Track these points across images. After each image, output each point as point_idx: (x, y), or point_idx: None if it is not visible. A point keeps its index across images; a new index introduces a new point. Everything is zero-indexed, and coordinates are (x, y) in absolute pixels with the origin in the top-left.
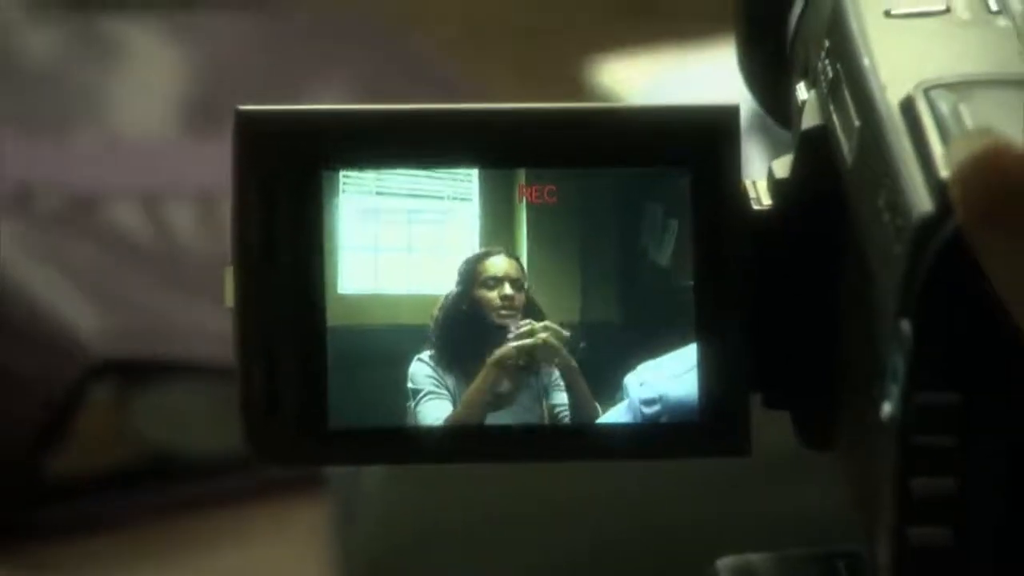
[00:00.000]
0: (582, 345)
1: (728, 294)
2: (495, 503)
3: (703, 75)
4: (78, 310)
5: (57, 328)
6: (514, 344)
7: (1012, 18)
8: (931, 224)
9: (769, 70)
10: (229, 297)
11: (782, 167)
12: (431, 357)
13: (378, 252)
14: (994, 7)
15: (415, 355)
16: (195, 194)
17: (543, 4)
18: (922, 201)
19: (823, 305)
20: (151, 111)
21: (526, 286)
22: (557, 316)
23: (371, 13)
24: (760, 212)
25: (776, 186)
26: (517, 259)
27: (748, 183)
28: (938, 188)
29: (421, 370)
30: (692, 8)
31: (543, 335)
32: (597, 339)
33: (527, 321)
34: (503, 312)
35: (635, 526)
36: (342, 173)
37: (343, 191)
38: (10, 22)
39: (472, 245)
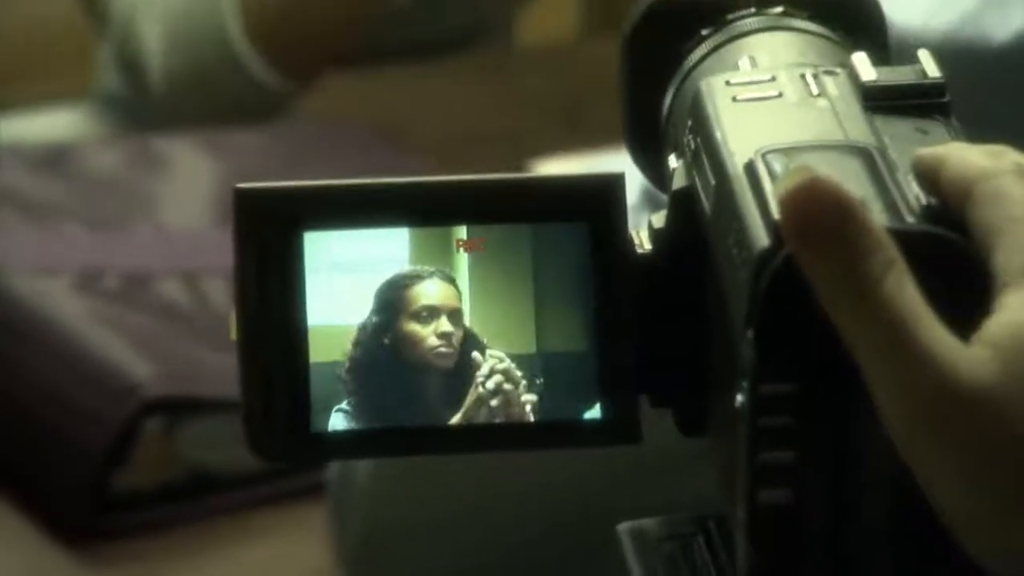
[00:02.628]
0: (539, 378)
1: (619, 319)
2: (473, 495)
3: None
4: (135, 361)
5: (119, 376)
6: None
7: (829, 100)
8: (767, 255)
9: (649, 148)
10: (233, 333)
11: (659, 219)
12: (350, 411)
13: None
14: (815, 92)
15: (335, 405)
16: (225, 271)
17: (498, 118)
18: (760, 238)
19: (693, 325)
20: (191, 207)
21: (466, 319)
22: (504, 348)
23: (360, 124)
24: (643, 255)
25: (655, 234)
26: (454, 282)
27: (633, 232)
28: (772, 227)
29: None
30: (611, 124)
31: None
32: (552, 366)
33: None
34: (441, 351)
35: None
36: (313, 233)
37: (314, 248)
38: (85, 144)
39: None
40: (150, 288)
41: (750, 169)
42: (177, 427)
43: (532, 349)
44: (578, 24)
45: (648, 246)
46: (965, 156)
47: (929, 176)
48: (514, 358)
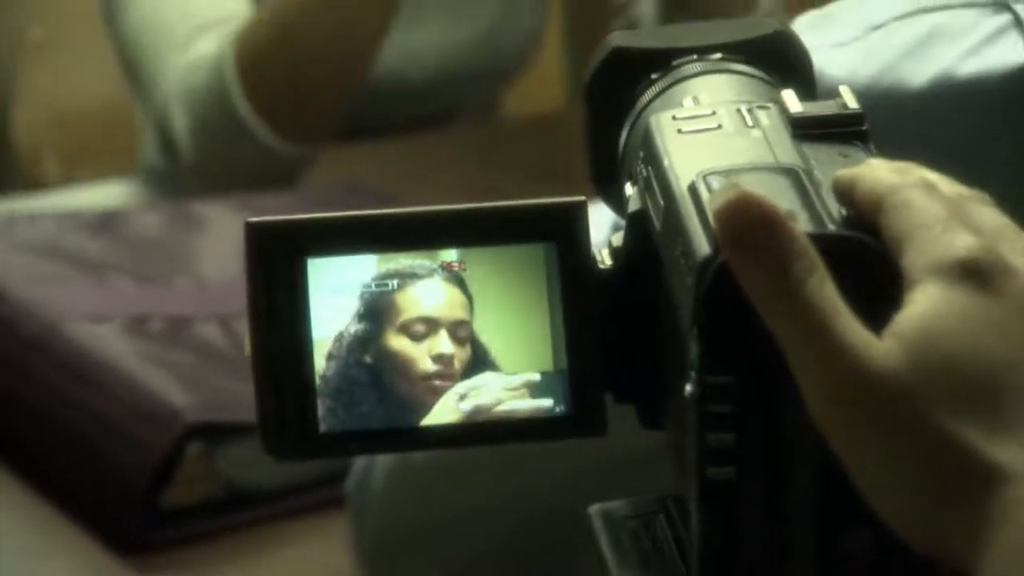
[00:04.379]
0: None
1: (585, 326)
2: (483, 496)
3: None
4: (177, 393)
5: (163, 406)
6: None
7: (762, 130)
8: (707, 261)
9: (609, 179)
10: (248, 349)
11: (618, 239)
12: (337, 413)
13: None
14: (750, 123)
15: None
16: None
17: (491, 179)
18: (702, 247)
19: (650, 329)
20: (224, 260)
21: (473, 329)
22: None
23: (370, 186)
24: (605, 270)
25: (614, 252)
26: (462, 284)
27: (596, 251)
28: (712, 237)
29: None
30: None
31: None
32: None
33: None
34: (435, 384)
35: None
36: (316, 260)
37: (316, 272)
38: (132, 210)
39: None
40: (190, 330)
41: (693, 189)
42: (215, 449)
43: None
44: (564, 93)
45: (609, 262)
46: (876, 173)
47: (846, 192)
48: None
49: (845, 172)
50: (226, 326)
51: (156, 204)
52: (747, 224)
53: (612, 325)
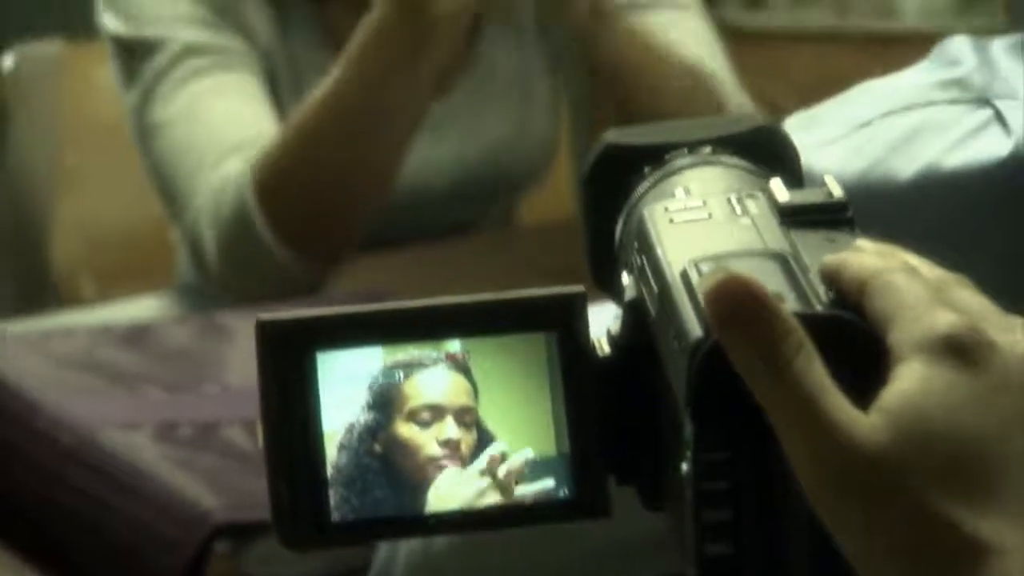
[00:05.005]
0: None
1: (587, 412)
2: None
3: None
4: (205, 494)
5: (192, 507)
6: None
7: (751, 218)
8: (699, 343)
9: (606, 269)
10: (260, 441)
11: (615, 327)
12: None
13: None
14: (739, 212)
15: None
16: None
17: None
18: (694, 329)
19: (649, 412)
20: (250, 367)
21: (479, 415)
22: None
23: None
24: (604, 357)
25: (612, 339)
26: (467, 372)
27: (595, 339)
28: (703, 320)
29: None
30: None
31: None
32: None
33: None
34: (442, 463)
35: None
36: (325, 353)
37: (326, 365)
38: (163, 322)
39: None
40: (217, 435)
41: (684, 276)
42: (242, 547)
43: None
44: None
45: (608, 350)
46: (861, 257)
47: (832, 276)
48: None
49: (831, 257)
50: (250, 429)
51: (186, 317)
52: (736, 304)
53: (613, 410)
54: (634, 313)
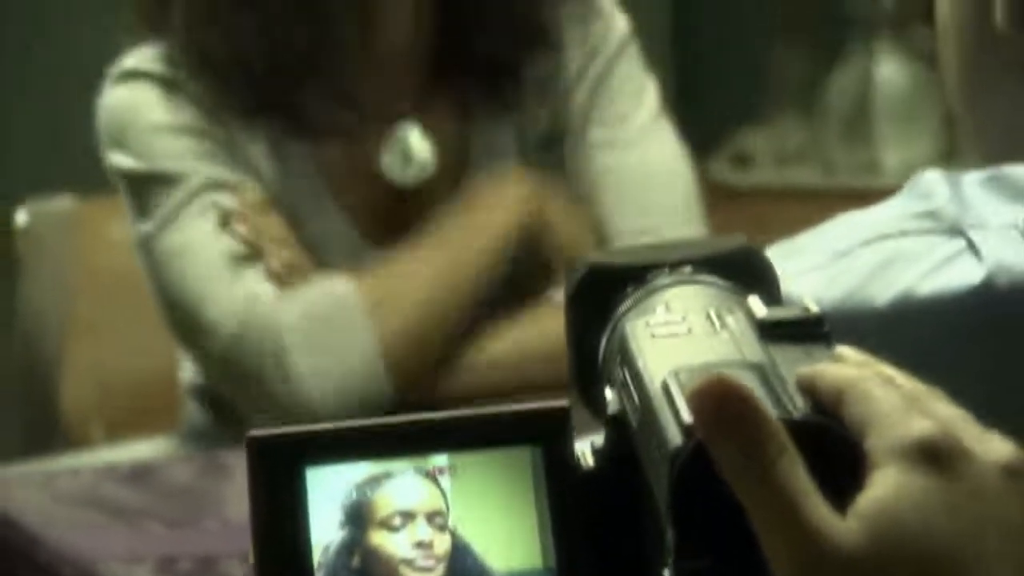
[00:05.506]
0: None
1: (572, 525)
2: None
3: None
4: None
5: None
6: None
7: (730, 332)
8: (678, 451)
9: (590, 386)
10: (251, 557)
11: (599, 441)
12: None
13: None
14: (718, 326)
15: None
16: None
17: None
18: (674, 437)
19: (633, 524)
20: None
21: (450, 522)
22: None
23: None
24: (588, 470)
25: (596, 452)
26: (434, 479)
27: (579, 452)
28: (683, 428)
29: None
30: None
31: None
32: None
33: None
34: (421, 565)
35: None
36: (314, 469)
37: (315, 480)
38: (165, 461)
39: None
40: (216, 568)
41: (665, 386)
42: None
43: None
44: None
45: (592, 463)
46: (838, 367)
47: (809, 386)
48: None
49: (808, 368)
50: (247, 561)
51: (189, 456)
52: (722, 404)
53: (597, 521)
54: (617, 426)
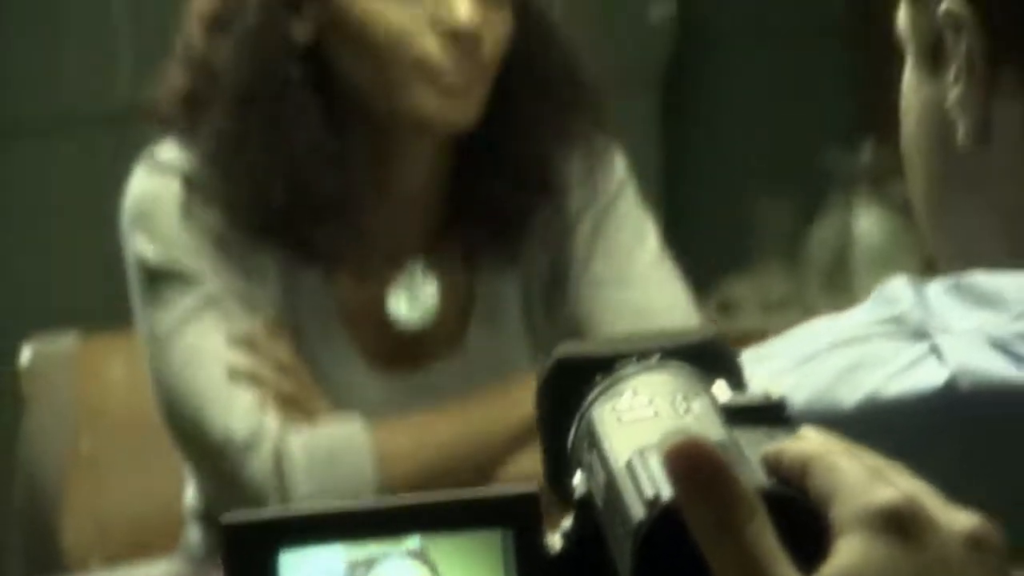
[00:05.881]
0: None
1: None
2: None
3: None
4: None
5: None
6: None
7: (694, 415)
8: (640, 525)
9: (561, 475)
10: None
11: (567, 523)
12: None
13: None
14: (683, 410)
15: None
16: None
17: None
18: (637, 512)
19: None
20: None
21: None
22: None
23: None
24: (557, 552)
25: (565, 535)
26: (427, 560)
27: (548, 535)
28: (646, 502)
29: None
30: None
31: None
32: None
33: None
34: None
35: None
36: (288, 552)
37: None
38: None
39: None
40: None
41: (629, 465)
42: None
43: None
44: None
45: (560, 545)
46: (803, 442)
47: (774, 460)
48: None
49: (771, 447)
50: None
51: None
52: (696, 465)
53: None
54: (584, 508)
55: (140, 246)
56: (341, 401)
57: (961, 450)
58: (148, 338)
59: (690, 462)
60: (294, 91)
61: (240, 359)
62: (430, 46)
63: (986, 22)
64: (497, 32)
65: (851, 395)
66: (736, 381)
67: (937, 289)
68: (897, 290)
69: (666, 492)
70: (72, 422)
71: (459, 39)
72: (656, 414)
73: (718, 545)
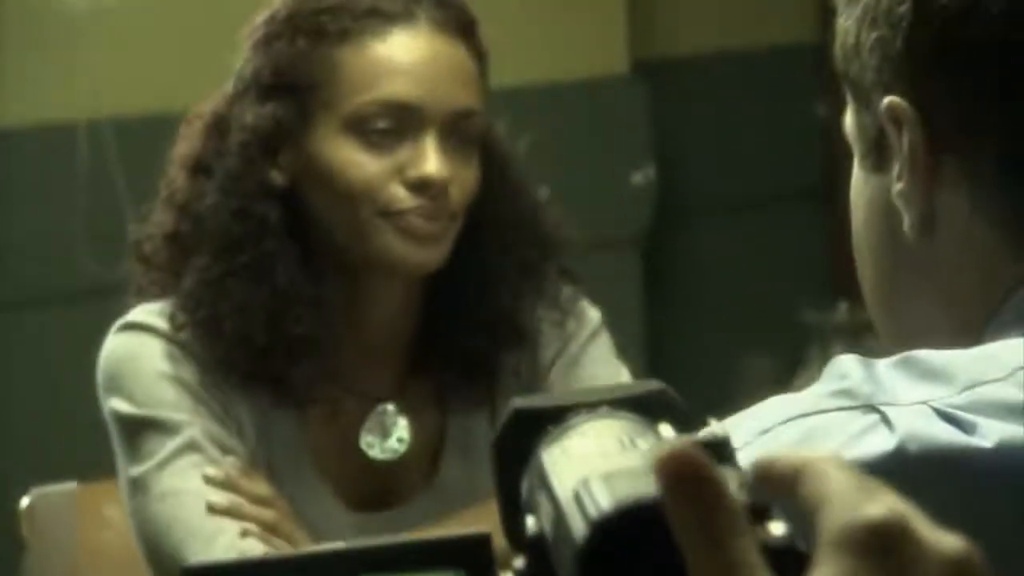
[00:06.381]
0: None
1: None
2: None
3: None
4: None
5: None
6: None
7: (640, 452)
8: (583, 544)
9: (517, 525)
10: None
11: (518, 562)
12: None
13: None
14: (629, 447)
15: None
16: None
17: None
18: (580, 535)
19: None
20: None
21: None
22: None
23: None
24: None
25: (516, 573)
26: None
27: (501, 574)
28: (588, 523)
29: None
30: None
31: None
32: None
33: None
34: None
35: None
36: None
37: None
38: None
39: None
40: None
41: (575, 493)
42: None
43: None
44: None
45: None
46: (796, 453)
47: (766, 469)
48: None
49: (765, 455)
50: None
51: None
52: (684, 469)
53: None
54: (535, 547)
55: (117, 403)
56: (316, 540)
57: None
58: (128, 482)
59: (678, 464)
60: (272, 233)
61: (219, 496)
62: (399, 193)
63: (926, 116)
64: (465, 183)
65: None
66: (683, 427)
67: (885, 364)
68: (847, 365)
69: (607, 506)
70: (70, 564)
71: (427, 188)
72: (603, 451)
73: (699, 547)
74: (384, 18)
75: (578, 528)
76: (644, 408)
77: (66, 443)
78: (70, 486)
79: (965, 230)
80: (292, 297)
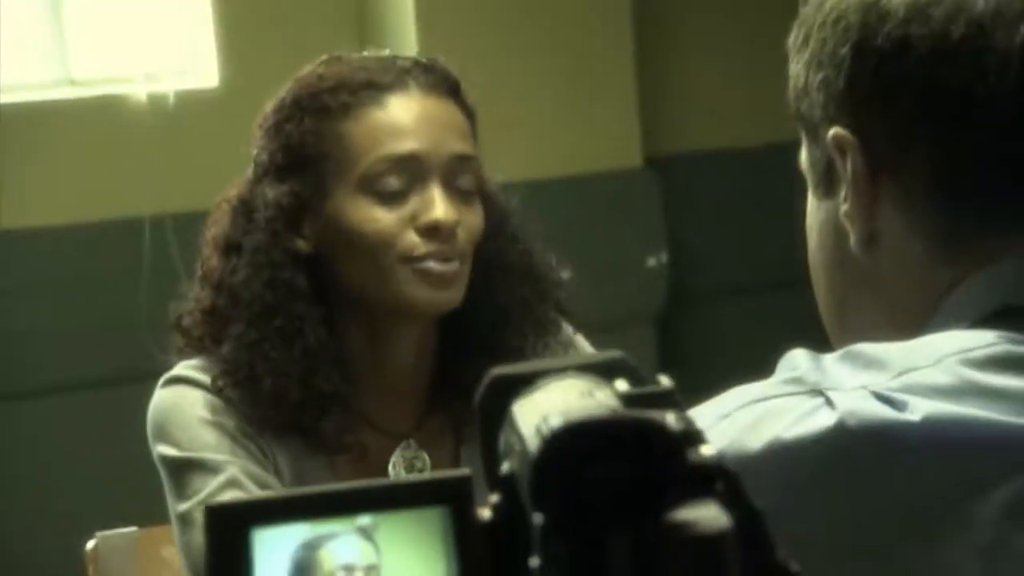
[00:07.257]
0: None
1: (476, 567)
2: None
3: None
4: None
5: None
6: None
7: (597, 399)
8: (536, 458)
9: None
10: None
11: (494, 498)
12: None
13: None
14: (587, 394)
15: None
16: None
17: None
18: (534, 452)
19: (525, 559)
20: None
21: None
22: None
23: None
24: (487, 521)
25: (494, 507)
26: (371, 538)
27: (480, 508)
28: (541, 439)
29: None
30: None
31: None
32: None
33: None
34: None
35: None
36: (259, 530)
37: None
38: None
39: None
40: None
41: (536, 427)
42: None
43: None
44: None
45: (489, 515)
46: None
47: None
48: None
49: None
50: None
51: None
52: None
53: (498, 562)
54: (506, 483)
55: (164, 450)
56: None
57: (849, 482)
58: (176, 519)
59: None
60: (301, 297)
61: None
62: (414, 239)
63: (865, 144)
64: (471, 226)
65: (757, 441)
66: (636, 384)
67: (831, 357)
68: (797, 358)
69: (557, 423)
70: None
71: (438, 231)
72: (565, 399)
73: None
74: (379, 88)
75: (533, 447)
76: (605, 372)
77: (128, 492)
78: (132, 530)
79: (903, 245)
80: (321, 356)
